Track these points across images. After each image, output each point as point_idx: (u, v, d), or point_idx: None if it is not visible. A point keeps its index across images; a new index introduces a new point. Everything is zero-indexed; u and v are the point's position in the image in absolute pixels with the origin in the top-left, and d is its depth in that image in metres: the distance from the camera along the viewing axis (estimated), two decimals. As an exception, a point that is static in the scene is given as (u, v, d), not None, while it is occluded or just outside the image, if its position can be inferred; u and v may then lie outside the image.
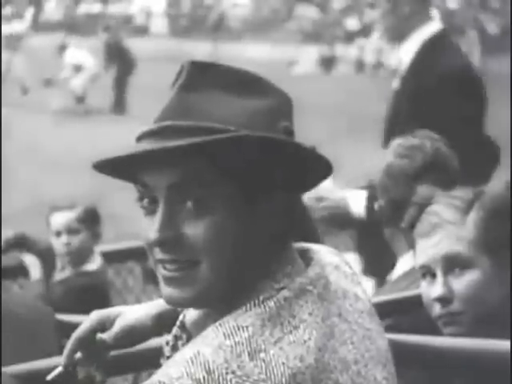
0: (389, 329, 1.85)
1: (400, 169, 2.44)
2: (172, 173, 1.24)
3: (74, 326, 2.50)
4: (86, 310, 2.84)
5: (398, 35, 3.48)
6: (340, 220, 2.90)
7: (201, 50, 23.63)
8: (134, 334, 1.53)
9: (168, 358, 1.38)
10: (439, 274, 1.85)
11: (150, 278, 3.59)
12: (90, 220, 3.53)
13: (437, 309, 1.86)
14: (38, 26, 26.04)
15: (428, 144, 2.45)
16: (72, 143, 11.64)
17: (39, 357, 2.05)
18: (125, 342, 1.54)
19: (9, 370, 1.95)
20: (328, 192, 2.68)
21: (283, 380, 1.18)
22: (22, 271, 3.72)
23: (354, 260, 3.63)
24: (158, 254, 1.26)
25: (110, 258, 3.63)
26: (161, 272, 1.27)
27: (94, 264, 3.55)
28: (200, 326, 1.30)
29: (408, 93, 3.41)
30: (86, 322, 1.56)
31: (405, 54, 3.54)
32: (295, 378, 1.19)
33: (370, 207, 2.77)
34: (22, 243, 3.72)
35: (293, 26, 26.54)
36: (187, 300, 1.26)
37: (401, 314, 2.09)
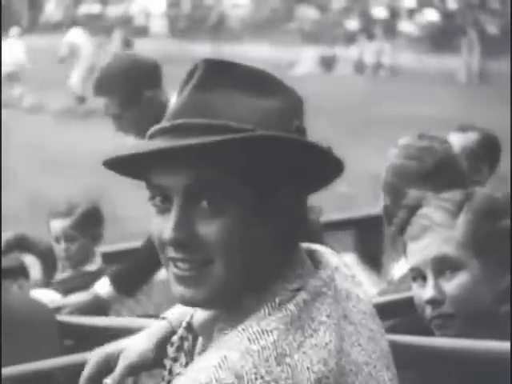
0: (390, 330, 1.85)
1: (411, 170, 2.45)
2: (187, 172, 1.22)
3: (74, 326, 2.51)
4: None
5: None
6: None
7: (201, 50, 23.61)
8: (138, 369, 1.52)
9: (172, 359, 1.38)
10: (430, 276, 1.85)
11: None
12: (90, 225, 3.50)
13: (428, 311, 1.86)
14: (37, 26, 26.03)
15: (437, 146, 2.46)
16: (72, 143, 11.64)
17: (39, 357, 2.05)
18: (129, 378, 1.54)
19: (9, 370, 1.95)
20: None
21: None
22: (22, 272, 3.71)
23: (353, 260, 3.63)
24: (171, 252, 1.25)
25: (110, 258, 3.62)
26: (172, 271, 1.26)
27: (94, 265, 3.55)
28: (208, 327, 1.30)
29: None
30: (93, 363, 1.53)
31: None
32: (320, 383, 1.19)
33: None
34: (22, 244, 3.72)
35: (293, 26, 26.53)
36: (199, 300, 1.25)
37: (401, 315, 2.08)
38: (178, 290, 1.26)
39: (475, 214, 1.85)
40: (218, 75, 1.25)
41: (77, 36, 16.80)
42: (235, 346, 1.18)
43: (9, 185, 8.55)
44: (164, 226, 1.24)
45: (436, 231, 1.86)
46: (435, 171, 2.43)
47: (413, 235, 1.89)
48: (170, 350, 1.39)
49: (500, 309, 1.84)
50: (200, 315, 1.33)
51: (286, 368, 1.17)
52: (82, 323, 2.52)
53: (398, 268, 2.52)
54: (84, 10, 28.88)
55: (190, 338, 1.36)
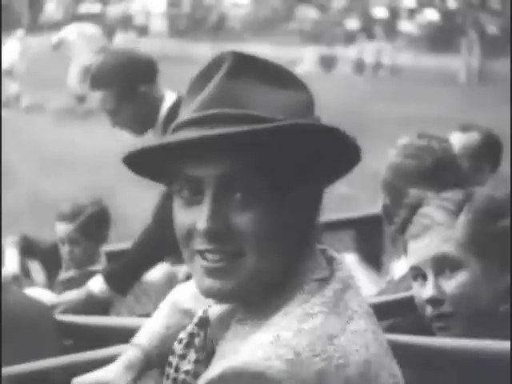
0: (389, 329, 1.85)
1: (410, 169, 2.45)
2: (222, 162, 1.22)
3: (73, 326, 2.50)
4: (96, 314, 2.84)
5: None
6: None
7: (201, 50, 23.60)
8: None
9: (180, 356, 1.37)
10: (430, 275, 1.86)
11: None
12: (95, 228, 3.50)
13: (429, 310, 1.86)
14: (37, 26, 26.03)
15: (436, 145, 2.46)
16: (72, 143, 11.64)
17: (39, 357, 2.04)
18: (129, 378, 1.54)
19: (9, 370, 1.95)
20: None
21: (359, 367, 1.19)
22: (24, 273, 3.71)
23: (355, 260, 3.63)
24: (200, 244, 1.25)
25: (113, 257, 3.62)
26: (200, 263, 1.26)
27: (99, 265, 3.55)
28: (224, 322, 1.30)
29: None
30: None
31: None
32: (369, 366, 1.20)
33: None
34: (24, 246, 3.71)
35: (293, 26, 26.51)
36: (228, 292, 1.24)
37: (401, 315, 2.08)
38: (206, 282, 1.25)
39: (476, 213, 1.86)
40: (245, 67, 1.26)
41: (70, 31, 16.75)
42: (286, 326, 1.19)
43: (8, 184, 8.55)
44: (195, 218, 1.24)
45: (436, 230, 1.86)
46: (434, 170, 2.43)
47: (413, 234, 1.89)
48: (178, 347, 1.38)
49: (500, 308, 1.84)
50: (216, 310, 1.33)
51: (338, 348, 1.18)
52: (82, 323, 2.52)
53: (398, 267, 2.52)
54: (84, 9, 28.86)
55: (202, 334, 1.35)
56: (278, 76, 1.27)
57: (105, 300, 3.15)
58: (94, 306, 3.11)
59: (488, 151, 3.79)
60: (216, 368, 1.17)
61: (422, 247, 1.87)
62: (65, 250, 3.51)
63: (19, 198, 8.39)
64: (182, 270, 3.66)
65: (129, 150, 1.27)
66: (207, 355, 1.35)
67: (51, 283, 3.62)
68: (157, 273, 3.51)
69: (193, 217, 1.25)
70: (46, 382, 1.92)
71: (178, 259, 3.72)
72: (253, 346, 1.18)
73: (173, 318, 1.55)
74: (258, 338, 1.19)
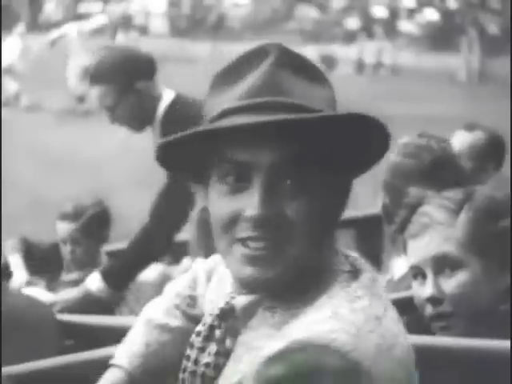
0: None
1: (408, 168, 2.46)
2: (273, 150, 1.23)
3: (73, 326, 2.51)
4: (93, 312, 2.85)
5: None
6: None
7: (201, 50, 23.60)
8: None
9: (199, 349, 1.37)
10: (429, 274, 1.86)
11: None
12: (97, 228, 3.51)
13: (428, 309, 1.86)
14: (36, 25, 26.03)
15: (435, 144, 2.47)
16: (72, 143, 11.63)
17: (39, 357, 2.04)
18: None
19: (9, 370, 1.95)
20: None
21: (403, 351, 1.21)
22: (5, 272, 3.70)
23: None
24: (245, 231, 1.25)
25: (114, 257, 3.62)
26: (241, 251, 1.25)
27: (101, 265, 3.55)
28: (248, 311, 1.30)
29: None
30: None
31: None
32: (410, 353, 1.23)
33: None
34: (23, 248, 3.70)
35: (293, 25, 26.51)
36: (269, 280, 1.24)
37: (400, 314, 2.08)
38: (247, 271, 1.25)
39: (476, 213, 1.85)
40: (289, 59, 1.29)
41: (70, 29, 16.75)
42: (338, 305, 1.21)
43: (8, 184, 8.55)
44: (241, 204, 1.24)
45: (436, 229, 1.85)
46: (433, 169, 2.43)
47: (413, 233, 1.89)
48: (197, 340, 1.38)
49: (500, 308, 1.84)
50: (242, 300, 1.32)
51: (385, 329, 1.21)
52: (82, 323, 2.52)
53: (398, 267, 2.52)
54: (84, 9, 28.84)
55: (224, 325, 1.35)
56: (314, 71, 1.30)
57: (102, 298, 3.16)
58: (91, 304, 3.12)
59: (492, 151, 3.81)
60: (271, 346, 1.18)
61: (421, 246, 1.86)
62: (66, 249, 3.52)
63: (19, 198, 8.39)
64: (176, 270, 3.66)
65: (174, 137, 1.25)
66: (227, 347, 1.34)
67: (52, 283, 3.62)
68: (151, 273, 3.51)
69: (238, 204, 1.25)
70: (46, 382, 1.92)
71: (173, 259, 3.72)
72: (307, 323, 1.19)
73: (151, 335, 1.53)
74: (309, 316, 1.21)
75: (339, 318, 1.19)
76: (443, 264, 1.85)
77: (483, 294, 1.84)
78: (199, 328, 1.38)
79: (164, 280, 3.37)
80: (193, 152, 1.30)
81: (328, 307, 1.21)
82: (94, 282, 3.17)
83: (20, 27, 17.17)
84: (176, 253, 3.71)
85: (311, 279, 1.27)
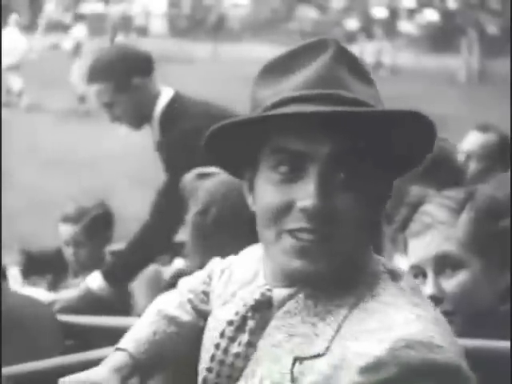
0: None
1: None
2: (330, 141, 1.23)
3: (74, 326, 2.50)
4: (99, 312, 2.85)
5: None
6: None
7: (201, 50, 23.61)
8: None
9: (230, 338, 1.37)
10: (430, 273, 1.85)
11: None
12: (99, 230, 3.50)
13: (428, 309, 1.86)
14: (36, 25, 26.03)
15: None
16: (73, 143, 11.63)
17: (39, 357, 2.05)
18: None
19: (9, 370, 1.95)
20: None
21: (459, 355, 1.21)
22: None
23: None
24: (297, 222, 1.24)
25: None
26: (291, 243, 1.24)
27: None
28: (286, 299, 1.31)
29: None
30: None
31: None
32: (463, 355, 1.23)
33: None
34: (26, 262, 3.69)
35: (293, 26, 26.52)
36: (316, 273, 1.24)
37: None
38: (296, 263, 1.24)
39: (477, 212, 1.85)
40: (345, 55, 1.29)
41: (81, 32, 16.79)
42: (410, 309, 1.22)
43: (8, 184, 8.55)
44: (294, 195, 1.24)
45: (438, 229, 1.85)
46: (430, 168, 2.43)
47: (414, 232, 1.88)
48: (228, 329, 1.37)
49: (500, 308, 1.84)
50: (279, 292, 1.32)
51: (449, 330, 1.25)
52: (82, 323, 2.52)
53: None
54: (84, 9, 28.85)
55: (258, 316, 1.34)
56: (365, 70, 1.31)
57: (103, 297, 3.16)
58: (92, 302, 3.12)
59: (503, 152, 3.83)
60: (369, 345, 1.18)
61: (422, 245, 1.86)
62: (69, 251, 3.51)
63: (19, 198, 8.39)
64: (168, 270, 3.65)
65: (231, 120, 1.25)
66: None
67: (55, 286, 3.61)
68: (143, 272, 3.51)
69: (291, 194, 1.24)
70: (46, 382, 1.92)
71: (168, 259, 3.71)
72: (399, 324, 1.19)
73: (159, 325, 1.53)
74: (390, 319, 1.21)
75: (423, 319, 1.20)
76: (444, 263, 1.85)
77: (483, 294, 1.84)
78: (231, 317, 1.38)
79: (154, 279, 3.36)
80: (241, 141, 1.29)
81: (401, 312, 1.22)
82: (95, 280, 3.17)
83: (14, 16, 17.03)
84: (176, 253, 3.71)
85: (354, 275, 1.28)
